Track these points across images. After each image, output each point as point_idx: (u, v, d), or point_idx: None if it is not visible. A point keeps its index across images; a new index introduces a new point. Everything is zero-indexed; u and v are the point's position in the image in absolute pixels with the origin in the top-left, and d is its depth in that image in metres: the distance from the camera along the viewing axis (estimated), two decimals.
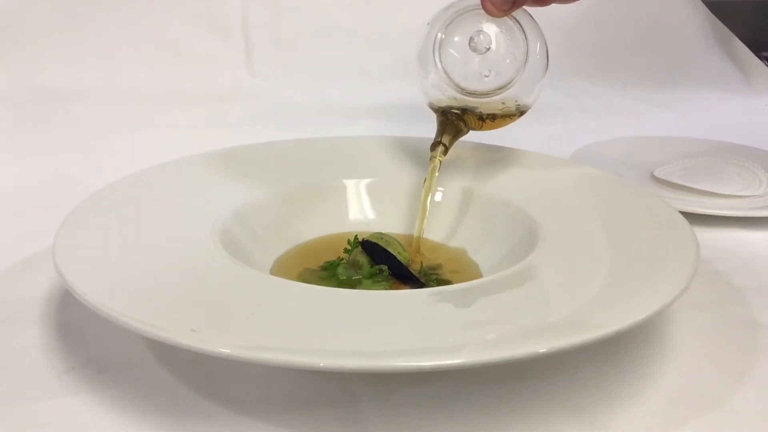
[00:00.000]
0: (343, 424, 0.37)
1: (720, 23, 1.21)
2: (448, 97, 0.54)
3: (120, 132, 0.81)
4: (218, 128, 0.83)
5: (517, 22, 0.52)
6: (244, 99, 0.88)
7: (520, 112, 0.55)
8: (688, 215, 0.49)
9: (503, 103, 0.54)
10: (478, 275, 0.49)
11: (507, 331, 0.36)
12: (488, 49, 0.52)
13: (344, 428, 0.37)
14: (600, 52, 1.11)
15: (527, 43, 0.52)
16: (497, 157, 0.61)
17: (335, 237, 0.54)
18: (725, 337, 0.45)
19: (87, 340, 0.43)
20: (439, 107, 0.55)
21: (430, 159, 0.54)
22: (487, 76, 0.52)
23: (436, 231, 0.55)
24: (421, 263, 0.50)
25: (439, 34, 0.53)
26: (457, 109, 0.54)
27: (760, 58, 1.20)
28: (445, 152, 0.54)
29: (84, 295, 0.36)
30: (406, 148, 0.62)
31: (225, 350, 0.32)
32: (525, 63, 0.52)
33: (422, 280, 0.48)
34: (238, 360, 0.33)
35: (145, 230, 0.46)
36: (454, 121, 0.54)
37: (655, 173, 0.71)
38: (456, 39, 0.52)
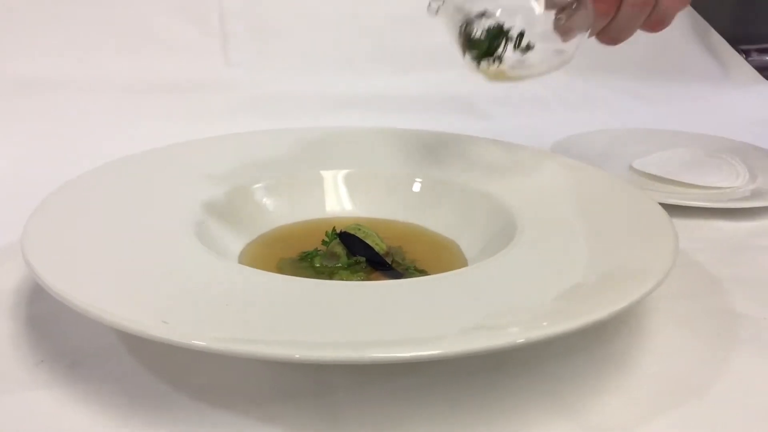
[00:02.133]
0: (320, 417, 0.36)
1: (698, 16, 1.21)
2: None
3: (94, 122, 0.80)
4: (194, 118, 0.82)
5: None
6: (221, 89, 0.87)
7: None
8: (667, 207, 0.49)
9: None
10: (460, 264, 0.49)
11: (484, 321, 0.36)
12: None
13: (321, 421, 0.36)
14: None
15: None
16: (477, 148, 0.61)
17: (313, 226, 0.53)
18: (705, 328, 0.45)
19: (58, 332, 0.42)
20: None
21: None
22: None
23: (414, 221, 0.55)
24: (392, 256, 0.49)
25: None
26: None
27: (738, 50, 1.21)
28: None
29: (53, 286, 0.36)
30: (385, 138, 0.61)
31: (198, 342, 0.32)
32: None
33: (399, 270, 0.47)
34: (211, 352, 0.32)
35: (116, 221, 0.45)
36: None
37: (635, 165, 0.71)
38: None
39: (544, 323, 0.35)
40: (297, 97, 0.89)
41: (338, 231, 0.50)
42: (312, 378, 0.39)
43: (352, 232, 0.49)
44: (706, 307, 0.48)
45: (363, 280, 0.46)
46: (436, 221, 0.54)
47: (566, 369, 0.40)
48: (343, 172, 0.57)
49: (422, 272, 0.47)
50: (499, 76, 0.51)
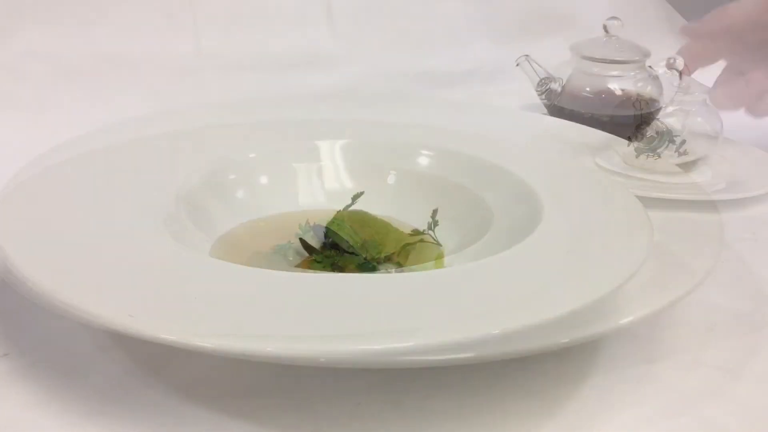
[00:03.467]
0: (292, 412, 0.36)
1: (673, 10, 1.22)
2: None
3: (60, 109, 0.78)
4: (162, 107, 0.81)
5: None
6: (191, 78, 0.86)
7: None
8: (643, 199, 0.49)
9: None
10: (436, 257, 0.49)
11: (459, 313, 0.35)
12: None
13: (294, 416, 0.36)
14: (556, 38, 1.11)
15: None
16: (449, 140, 0.61)
17: (286, 219, 0.52)
18: (680, 321, 0.45)
19: (22, 325, 0.41)
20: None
21: None
22: None
23: (389, 213, 0.54)
24: (366, 248, 0.49)
25: None
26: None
27: None
28: None
29: (17, 278, 0.35)
30: (359, 130, 0.61)
31: (166, 336, 0.31)
32: None
33: (374, 263, 0.47)
34: (180, 347, 0.31)
35: (83, 212, 0.44)
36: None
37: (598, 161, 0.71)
38: None
39: (520, 314, 0.34)
40: (269, 88, 0.88)
41: (312, 224, 0.49)
42: (287, 371, 0.38)
43: (326, 224, 0.49)
44: (681, 299, 0.47)
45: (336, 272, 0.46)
46: (412, 213, 0.54)
47: (540, 360, 0.40)
48: (317, 164, 0.57)
49: (398, 265, 0.47)
50: (643, 164, 0.65)
